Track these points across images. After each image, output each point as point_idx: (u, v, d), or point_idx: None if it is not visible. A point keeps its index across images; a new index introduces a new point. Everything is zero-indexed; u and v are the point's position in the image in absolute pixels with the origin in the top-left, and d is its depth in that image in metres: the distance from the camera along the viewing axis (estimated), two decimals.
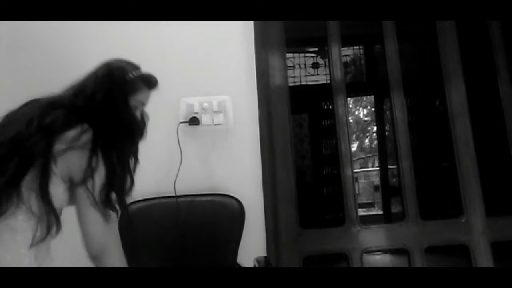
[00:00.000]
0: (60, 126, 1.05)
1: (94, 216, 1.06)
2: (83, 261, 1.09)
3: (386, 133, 5.53)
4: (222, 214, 1.68)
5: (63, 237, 1.48)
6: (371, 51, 5.32)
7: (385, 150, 5.59)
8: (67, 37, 1.83)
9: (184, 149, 1.73)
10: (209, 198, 1.72)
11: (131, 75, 1.25)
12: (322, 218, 4.85)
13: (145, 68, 1.79)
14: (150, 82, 1.29)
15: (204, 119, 1.77)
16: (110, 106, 1.16)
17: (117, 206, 1.10)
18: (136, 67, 1.29)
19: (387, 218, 5.41)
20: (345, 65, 5.49)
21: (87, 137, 1.06)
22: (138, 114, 1.25)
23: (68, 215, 1.23)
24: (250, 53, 1.85)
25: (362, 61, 5.64)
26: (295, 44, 4.71)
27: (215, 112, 1.78)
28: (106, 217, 1.07)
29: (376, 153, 7.88)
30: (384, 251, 3.60)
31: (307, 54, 5.38)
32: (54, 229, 1.04)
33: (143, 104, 1.27)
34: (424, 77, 4.46)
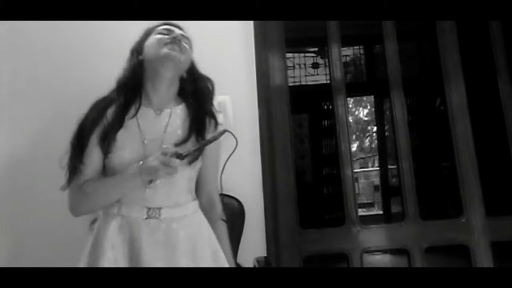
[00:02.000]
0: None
1: None
2: None
3: (386, 133, 5.53)
4: None
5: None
6: (371, 51, 5.32)
7: (385, 150, 5.59)
8: (67, 37, 1.83)
9: None
10: None
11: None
12: (322, 218, 4.85)
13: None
14: (169, 23, 1.29)
15: None
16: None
17: None
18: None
19: (387, 218, 5.41)
20: (345, 65, 5.49)
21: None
22: (168, 37, 1.22)
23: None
24: (250, 53, 1.85)
25: (362, 61, 5.65)
26: (295, 44, 4.71)
27: None
28: None
29: (376, 153, 7.88)
30: (384, 251, 3.61)
31: (307, 54, 5.38)
32: None
33: (172, 30, 1.25)
34: (424, 77, 4.47)
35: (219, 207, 1.32)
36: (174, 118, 1.25)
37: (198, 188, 1.30)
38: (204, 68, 1.82)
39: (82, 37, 1.83)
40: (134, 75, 1.27)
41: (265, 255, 1.70)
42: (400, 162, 1.93)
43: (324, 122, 5.37)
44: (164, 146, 1.13)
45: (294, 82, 5.24)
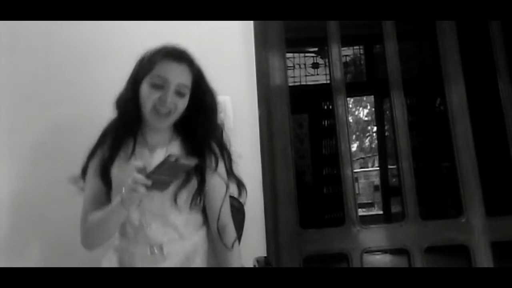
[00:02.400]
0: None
1: None
2: None
3: (386, 133, 5.53)
4: None
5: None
6: (371, 51, 5.32)
7: (385, 150, 5.59)
8: (68, 36, 1.83)
9: None
10: None
11: (149, 53, 1.22)
12: (322, 218, 4.86)
13: None
14: (170, 54, 1.20)
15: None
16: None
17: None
18: (163, 47, 1.24)
19: (387, 218, 5.41)
20: (345, 65, 5.49)
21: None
22: (158, 94, 1.16)
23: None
24: (250, 53, 1.85)
25: (362, 61, 5.65)
26: (295, 44, 4.71)
27: None
28: None
29: (376, 153, 7.89)
30: (384, 251, 3.61)
31: (307, 54, 5.39)
32: None
33: (166, 79, 1.16)
34: (424, 77, 4.47)
35: (230, 234, 1.28)
36: None
37: (208, 218, 1.30)
38: (204, 68, 1.83)
39: (82, 37, 1.83)
40: (132, 112, 1.22)
41: (265, 255, 1.70)
42: (400, 162, 1.93)
43: (324, 122, 5.38)
44: (136, 163, 1.08)
45: (294, 82, 5.24)
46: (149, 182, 1.03)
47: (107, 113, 1.73)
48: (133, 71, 1.24)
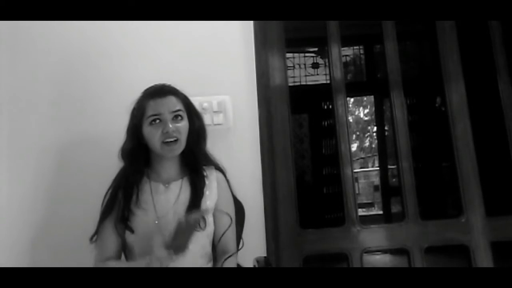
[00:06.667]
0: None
1: None
2: None
3: (386, 133, 5.54)
4: None
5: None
6: (371, 51, 5.33)
7: (385, 150, 5.60)
8: (69, 36, 1.82)
9: None
10: None
11: (136, 101, 1.33)
12: (322, 218, 4.86)
13: (144, 69, 1.81)
14: (154, 93, 1.30)
15: (204, 119, 1.76)
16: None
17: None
18: (146, 90, 1.33)
19: (387, 218, 5.42)
20: (345, 65, 5.50)
21: None
22: (160, 128, 1.26)
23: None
24: (250, 53, 1.85)
25: (362, 61, 5.65)
26: (295, 44, 4.72)
27: (215, 112, 1.77)
28: None
29: (376, 153, 7.89)
30: (384, 251, 3.61)
31: (307, 54, 5.39)
32: None
33: (160, 113, 1.27)
34: (424, 77, 4.47)
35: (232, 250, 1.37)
36: (184, 189, 1.32)
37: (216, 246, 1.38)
38: (204, 68, 1.83)
39: (83, 37, 1.83)
40: (139, 158, 1.33)
41: (265, 255, 1.70)
42: (400, 162, 1.93)
43: (324, 122, 5.38)
44: (156, 238, 1.17)
45: (294, 82, 5.24)
46: (173, 257, 1.14)
47: (111, 113, 1.75)
48: (130, 121, 1.34)
